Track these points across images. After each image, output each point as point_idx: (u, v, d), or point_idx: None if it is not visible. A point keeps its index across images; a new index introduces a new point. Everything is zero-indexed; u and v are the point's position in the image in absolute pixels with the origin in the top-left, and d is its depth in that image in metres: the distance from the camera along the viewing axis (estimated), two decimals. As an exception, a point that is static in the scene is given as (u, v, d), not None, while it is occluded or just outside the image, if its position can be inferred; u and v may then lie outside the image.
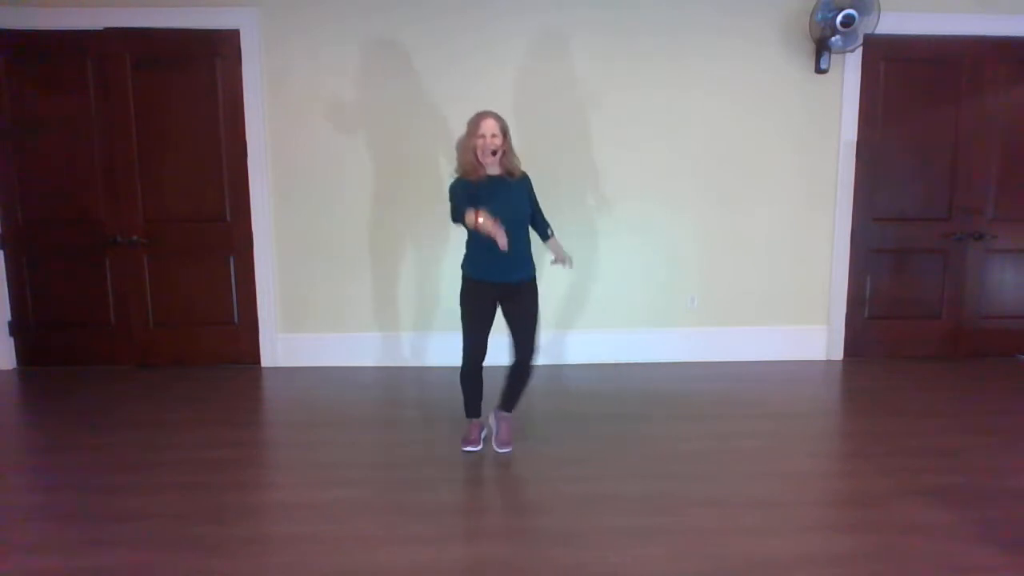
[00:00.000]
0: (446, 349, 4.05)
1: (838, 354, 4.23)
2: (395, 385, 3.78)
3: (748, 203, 4.06)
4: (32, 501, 2.43)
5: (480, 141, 2.58)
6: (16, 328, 4.09)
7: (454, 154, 2.74)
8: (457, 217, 2.59)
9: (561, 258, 2.91)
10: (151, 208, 3.98)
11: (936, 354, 4.27)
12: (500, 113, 2.67)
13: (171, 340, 4.11)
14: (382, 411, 3.36)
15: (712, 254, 4.11)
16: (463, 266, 2.77)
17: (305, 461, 2.76)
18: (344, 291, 4.06)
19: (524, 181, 2.78)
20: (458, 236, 3.95)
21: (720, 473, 2.61)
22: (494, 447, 2.85)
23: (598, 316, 4.13)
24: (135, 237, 3.99)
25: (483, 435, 2.91)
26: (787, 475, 2.60)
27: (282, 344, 4.11)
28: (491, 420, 2.94)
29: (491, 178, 2.66)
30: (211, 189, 3.98)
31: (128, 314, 4.07)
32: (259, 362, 4.13)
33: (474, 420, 2.90)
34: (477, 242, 2.63)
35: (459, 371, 2.81)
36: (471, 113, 2.69)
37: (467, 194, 2.58)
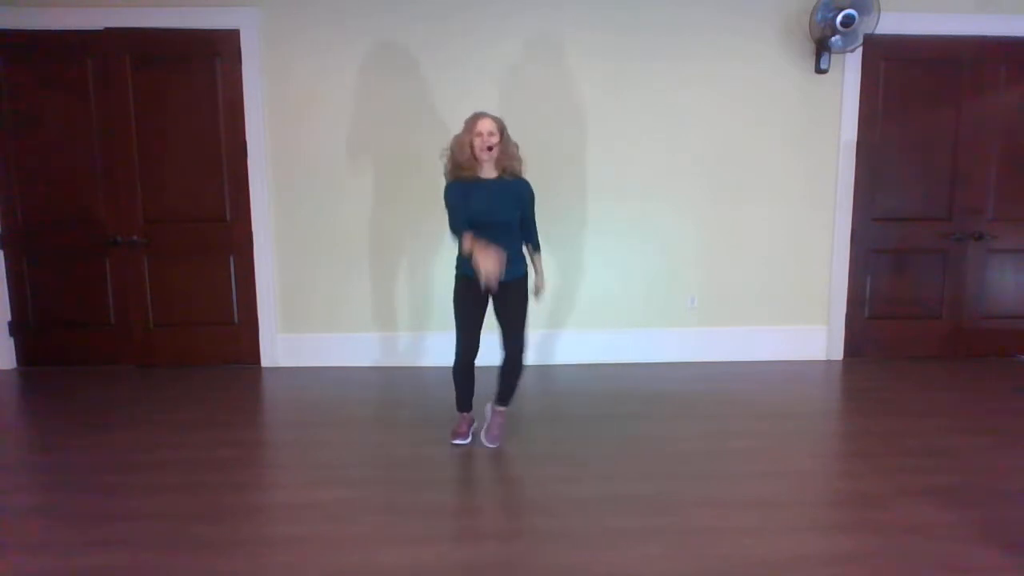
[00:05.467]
0: (445, 349, 4.04)
1: (838, 354, 4.23)
2: (395, 385, 3.77)
3: (748, 203, 4.06)
4: (32, 501, 2.43)
5: (478, 139, 2.66)
6: (16, 328, 4.09)
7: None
8: (455, 227, 2.65)
9: (537, 284, 2.97)
10: (151, 208, 3.98)
11: (936, 354, 4.27)
12: (501, 113, 2.76)
13: (171, 340, 4.11)
14: (382, 411, 3.36)
15: (712, 254, 4.11)
16: (456, 265, 2.81)
17: (305, 461, 2.76)
18: (344, 291, 4.07)
19: (521, 185, 2.79)
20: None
21: (720, 473, 2.61)
22: (482, 439, 2.90)
23: (598, 316, 4.13)
24: (135, 237, 3.99)
25: (472, 429, 2.96)
26: (787, 475, 2.60)
27: (282, 344, 4.11)
28: (486, 411, 3.01)
29: (482, 180, 2.72)
30: (211, 189, 3.98)
31: (128, 314, 4.07)
32: (259, 362, 4.14)
33: (464, 414, 2.96)
34: None
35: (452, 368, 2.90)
36: (471, 113, 2.74)
37: (460, 197, 2.66)
